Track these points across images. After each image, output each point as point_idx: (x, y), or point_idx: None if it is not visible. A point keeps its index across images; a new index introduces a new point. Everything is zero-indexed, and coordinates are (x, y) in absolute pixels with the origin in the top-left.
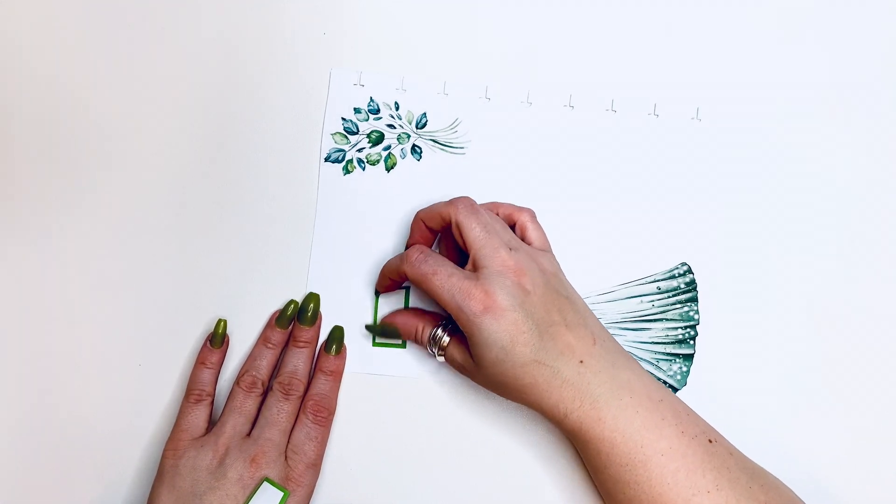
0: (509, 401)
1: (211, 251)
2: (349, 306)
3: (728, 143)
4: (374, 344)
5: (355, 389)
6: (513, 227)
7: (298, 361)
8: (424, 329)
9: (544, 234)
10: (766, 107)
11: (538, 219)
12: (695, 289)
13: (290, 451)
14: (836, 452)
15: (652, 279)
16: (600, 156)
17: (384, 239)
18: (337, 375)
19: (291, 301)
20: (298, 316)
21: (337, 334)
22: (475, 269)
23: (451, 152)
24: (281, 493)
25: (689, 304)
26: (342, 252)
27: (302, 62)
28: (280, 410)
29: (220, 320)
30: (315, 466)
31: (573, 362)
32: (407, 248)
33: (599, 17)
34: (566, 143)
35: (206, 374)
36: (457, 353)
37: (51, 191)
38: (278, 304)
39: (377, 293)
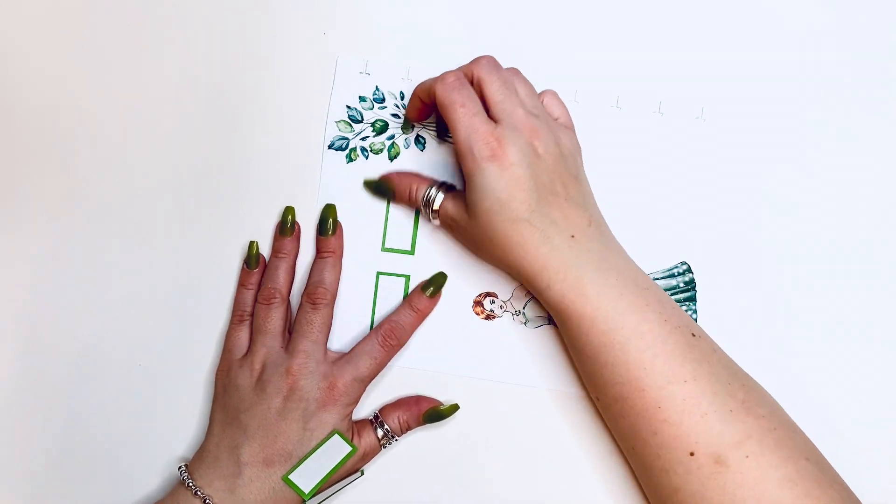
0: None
1: (213, 240)
2: (349, 292)
3: (731, 144)
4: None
5: None
6: None
7: (323, 271)
8: (418, 188)
9: (568, 112)
10: (771, 108)
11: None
12: (693, 288)
13: (344, 361)
14: (835, 451)
15: (651, 277)
16: (603, 152)
17: (384, 227)
18: (421, 314)
19: (287, 208)
20: (319, 229)
21: (440, 280)
22: (494, 122)
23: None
24: (349, 448)
25: (687, 303)
26: (343, 239)
27: (308, 50)
28: (309, 321)
29: (252, 242)
30: (363, 382)
31: (565, 234)
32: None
33: (606, 12)
34: None
35: (247, 295)
36: (451, 206)
37: (48, 187)
38: None
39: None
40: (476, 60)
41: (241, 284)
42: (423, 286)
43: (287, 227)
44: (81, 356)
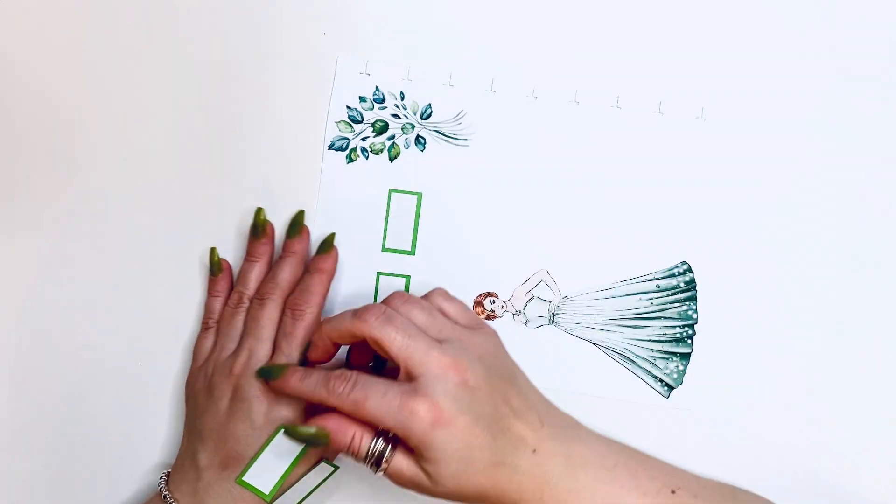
0: None
1: (213, 241)
2: (349, 293)
3: (731, 144)
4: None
5: None
6: None
7: (280, 269)
8: (363, 438)
9: (465, 307)
10: (771, 108)
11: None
12: (694, 288)
13: (275, 354)
14: (835, 452)
15: (651, 277)
16: (604, 152)
17: (384, 227)
18: (324, 273)
19: (258, 209)
20: (288, 230)
21: (328, 238)
22: (410, 378)
23: (455, 144)
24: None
25: (687, 302)
26: (343, 240)
27: (309, 50)
28: (254, 318)
29: (211, 248)
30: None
31: (527, 453)
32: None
33: (607, 13)
34: (570, 139)
35: (214, 303)
36: (406, 467)
37: (48, 187)
38: None
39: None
40: (361, 317)
41: (209, 292)
42: (318, 249)
43: (257, 228)
44: (81, 356)
